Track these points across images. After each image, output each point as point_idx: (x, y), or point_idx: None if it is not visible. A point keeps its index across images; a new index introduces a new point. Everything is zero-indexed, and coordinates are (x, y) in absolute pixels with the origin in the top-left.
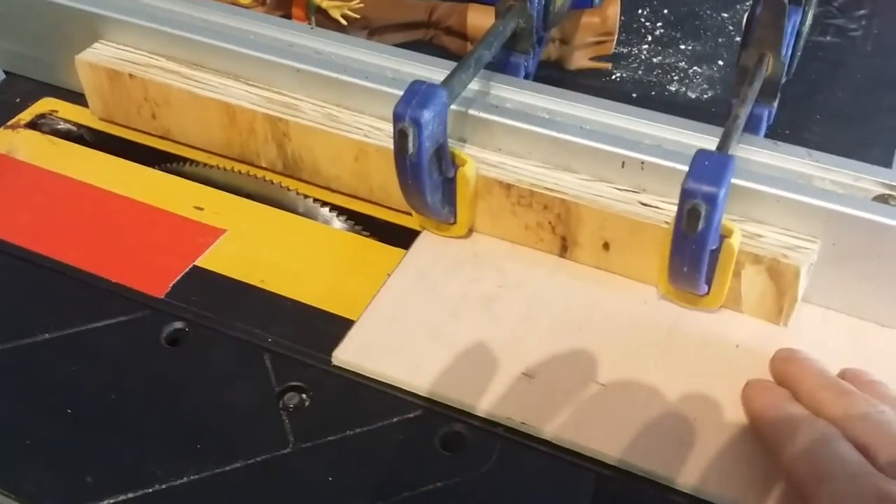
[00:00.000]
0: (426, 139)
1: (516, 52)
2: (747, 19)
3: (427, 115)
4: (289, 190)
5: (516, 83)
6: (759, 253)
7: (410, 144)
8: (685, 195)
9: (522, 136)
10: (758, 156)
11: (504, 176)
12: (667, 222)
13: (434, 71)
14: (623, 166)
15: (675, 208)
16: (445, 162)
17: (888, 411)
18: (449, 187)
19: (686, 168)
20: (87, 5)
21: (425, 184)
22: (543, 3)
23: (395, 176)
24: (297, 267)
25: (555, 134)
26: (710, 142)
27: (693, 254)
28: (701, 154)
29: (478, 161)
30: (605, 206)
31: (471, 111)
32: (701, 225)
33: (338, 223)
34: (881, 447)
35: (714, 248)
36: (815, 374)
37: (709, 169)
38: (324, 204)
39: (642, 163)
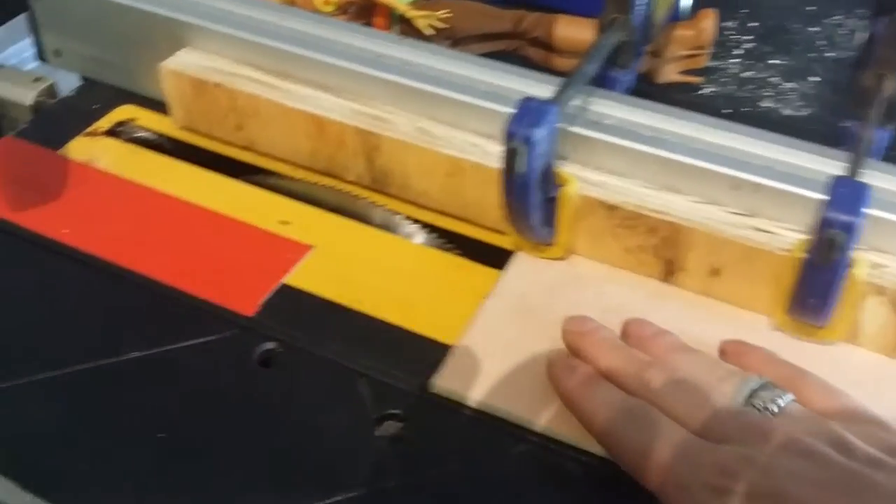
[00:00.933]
0: (536, 159)
1: (615, 66)
2: (869, 37)
3: (539, 134)
4: (376, 206)
5: (616, 98)
6: (883, 284)
7: (520, 164)
8: (825, 224)
9: (626, 155)
10: (880, 181)
11: (607, 196)
12: (785, 249)
13: (531, 84)
14: (735, 188)
15: (791, 234)
16: (549, 182)
17: (684, 375)
18: (549, 207)
19: (804, 192)
20: (172, 12)
21: (532, 205)
22: (646, 16)
23: (491, 194)
24: (388, 286)
25: (661, 153)
26: (823, 164)
27: (823, 284)
28: (840, 181)
29: (579, 180)
30: (717, 230)
31: (570, 127)
32: (837, 255)
33: (427, 240)
34: (693, 414)
35: None
36: (609, 348)
37: (847, 197)
38: (414, 221)
39: (756, 185)
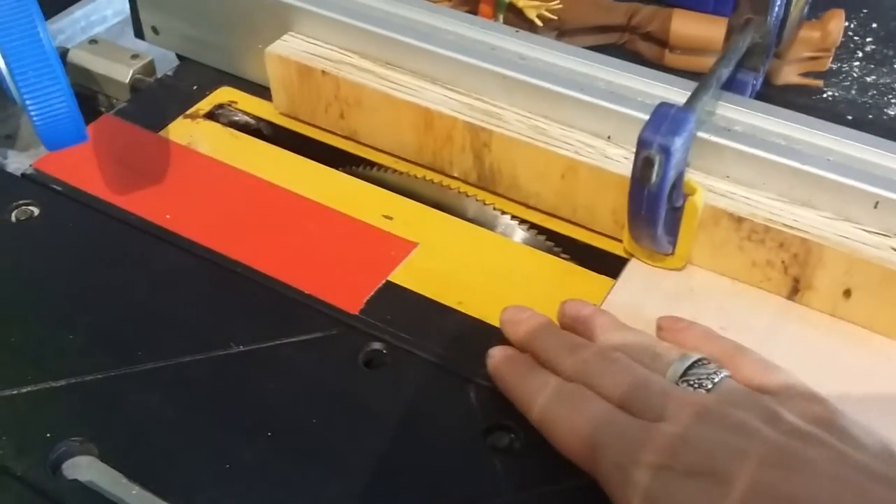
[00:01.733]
0: (671, 168)
1: (744, 68)
2: None
3: (678, 143)
4: (485, 204)
5: (745, 103)
6: None
7: (654, 174)
8: None
9: (756, 164)
10: None
11: (735, 207)
12: None
13: (653, 84)
14: (876, 206)
15: None
16: (677, 191)
17: (619, 355)
18: (673, 216)
19: None
20: None
21: (661, 216)
22: (782, 16)
23: (606, 198)
24: (496, 289)
25: (796, 164)
26: None
27: None
28: None
29: (704, 188)
30: (854, 249)
31: (698, 133)
32: None
33: (535, 243)
34: (627, 393)
35: None
36: (545, 333)
37: None
38: (522, 222)
39: None
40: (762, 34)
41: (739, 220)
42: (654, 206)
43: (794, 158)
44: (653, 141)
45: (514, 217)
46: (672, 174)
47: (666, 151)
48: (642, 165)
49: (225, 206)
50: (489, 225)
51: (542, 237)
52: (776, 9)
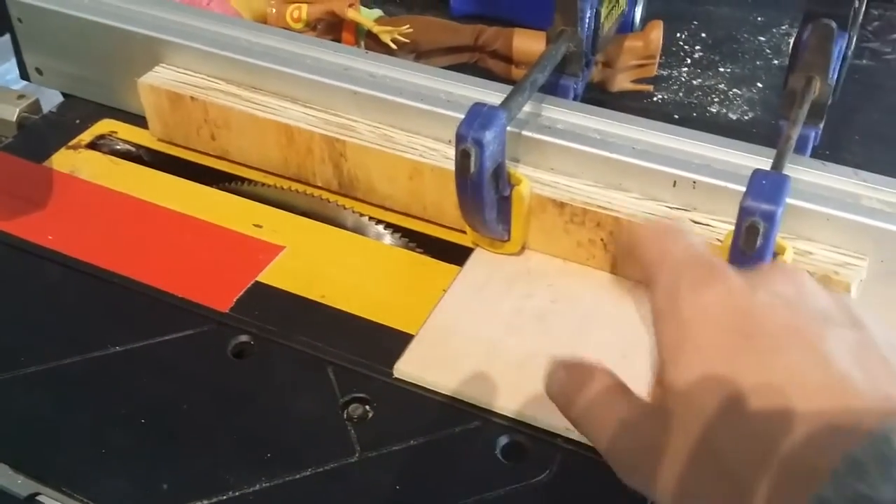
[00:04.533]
0: (487, 159)
1: (566, 74)
2: (794, 44)
3: (489, 136)
4: (344, 208)
5: (567, 105)
6: (811, 270)
7: (472, 164)
8: (744, 213)
9: (575, 156)
10: (807, 175)
11: (557, 195)
12: (719, 240)
13: (487, 93)
14: (674, 185)
15: (726, 226)
16: (502, 181)
17: None
18: (504, 206)
19: (737, 187)
20: (148, 30)
21: (484, 202)
22: (593, 28)
23: (450, 194)
24: (355, 282)
25: (607, 154)
26: (757, 161)
27: None
28: (758, 173)
29: (532, 180)
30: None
31: (524, 132)
32: (759, 242)
33: (392, 240)
34: None
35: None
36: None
37: (766, 188)
38: (378, 222)
39: (694, 182)
40: (575, 43)
41: (561, 205)
42: (477, 193)
43: (606, 149)
44: (467, 135)
45: (371, 218)
46: (489, 164)
47: (479, 144)
48: (460, 157)
49: (104, 225)
50: (351, 227)
51: (397, 234)
52: (586, 21)
